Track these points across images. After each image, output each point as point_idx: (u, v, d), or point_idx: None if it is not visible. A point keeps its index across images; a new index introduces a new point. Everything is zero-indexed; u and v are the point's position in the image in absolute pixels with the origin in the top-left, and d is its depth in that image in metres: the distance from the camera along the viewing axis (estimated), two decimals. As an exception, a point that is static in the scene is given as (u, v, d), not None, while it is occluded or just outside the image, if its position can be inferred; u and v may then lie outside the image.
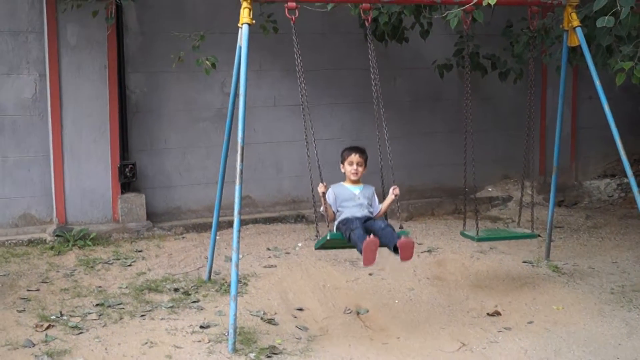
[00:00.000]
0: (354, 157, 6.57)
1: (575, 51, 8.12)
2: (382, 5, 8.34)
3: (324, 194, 6.38)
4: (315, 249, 6.69)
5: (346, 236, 6.27)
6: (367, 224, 6.35)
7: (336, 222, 6.48)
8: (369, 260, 5.97)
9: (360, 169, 6.58)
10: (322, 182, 6.39)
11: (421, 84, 11.20)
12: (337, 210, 6.52)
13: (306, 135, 6.40)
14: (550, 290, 7.69)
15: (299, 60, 6.49)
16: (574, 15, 7.40)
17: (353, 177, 6.59)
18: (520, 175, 8.18)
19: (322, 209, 6.50)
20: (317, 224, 6.53)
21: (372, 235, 5.99)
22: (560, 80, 8.10)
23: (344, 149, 6.77)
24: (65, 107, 9.23)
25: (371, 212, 6.56)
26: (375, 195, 6.72)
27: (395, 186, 6.60)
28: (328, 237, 6.29)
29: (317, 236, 6.51)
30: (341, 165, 6.70)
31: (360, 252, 6.00)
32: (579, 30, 7.39)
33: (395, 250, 6.12)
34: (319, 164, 6.35)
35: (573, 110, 11.98)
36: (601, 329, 6.79)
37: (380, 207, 6.69)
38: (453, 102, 11.03)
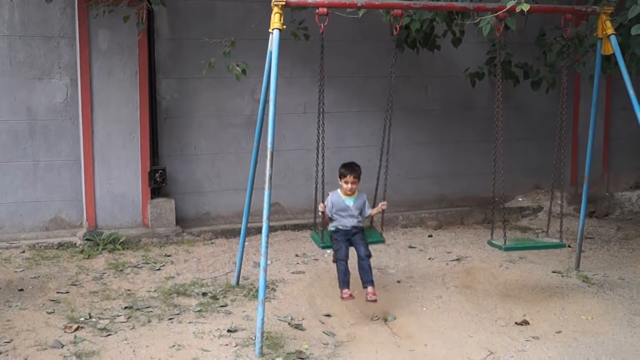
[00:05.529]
0: (349, 178, 7.33)
1: (609, 60, 8.01)
2: (414, 12, 8.30)
3: (323, 212, 7.30)
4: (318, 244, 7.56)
5: (334, 251, 7.27)
6: (354, 238, 7.30)
7: (331, 226, 7.41)
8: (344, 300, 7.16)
9: (354, 186, 7.36)
10: (322, 202, 7.27)
11: (452, 92, 11.17)
12: (332, 216, 7.38)
13: (318, 145, 7.07)
14: (579, 300, 7.63)
15: (321, 69, 6.96)
16: (609, 23, 7.33)
17: (348, 193, 7.38)
18: (551, 185, 8.11)
19: (319, 213, 7.37)
20: (316, 228, 7.69)
21: (350, 293, 7.02)
22: (594, 90, 8.02)
23: (341, 165, 7.47)
24: (96, 112, 9.29)
25: (360, 221, 7.41)
26: (367, 202, 7.48)
27: (384, 202, 7.37)
28: (320, 247, 7.49)
29: (321, 240, 7.40)
30: (339, 179, 7.42)
31: (341, 292, 7.07)
32: (613, 39, 7.32)
33: (365, 287, 7.11)
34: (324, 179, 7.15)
35: (606, 121, 11.87)
36: (630, 340, 6.72)
37: (370, 213, 7.51)
38: (484, 110, 10.98)
